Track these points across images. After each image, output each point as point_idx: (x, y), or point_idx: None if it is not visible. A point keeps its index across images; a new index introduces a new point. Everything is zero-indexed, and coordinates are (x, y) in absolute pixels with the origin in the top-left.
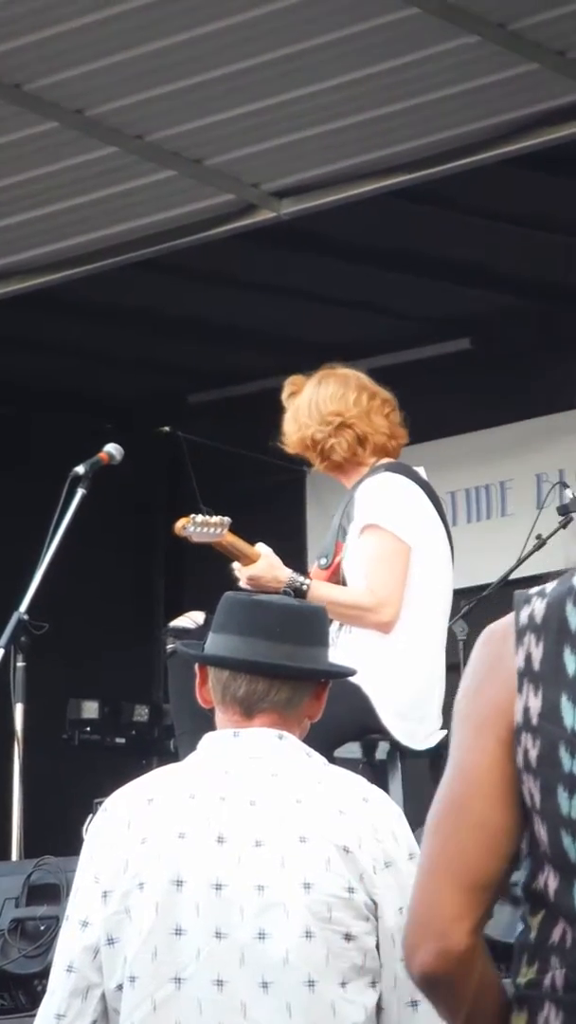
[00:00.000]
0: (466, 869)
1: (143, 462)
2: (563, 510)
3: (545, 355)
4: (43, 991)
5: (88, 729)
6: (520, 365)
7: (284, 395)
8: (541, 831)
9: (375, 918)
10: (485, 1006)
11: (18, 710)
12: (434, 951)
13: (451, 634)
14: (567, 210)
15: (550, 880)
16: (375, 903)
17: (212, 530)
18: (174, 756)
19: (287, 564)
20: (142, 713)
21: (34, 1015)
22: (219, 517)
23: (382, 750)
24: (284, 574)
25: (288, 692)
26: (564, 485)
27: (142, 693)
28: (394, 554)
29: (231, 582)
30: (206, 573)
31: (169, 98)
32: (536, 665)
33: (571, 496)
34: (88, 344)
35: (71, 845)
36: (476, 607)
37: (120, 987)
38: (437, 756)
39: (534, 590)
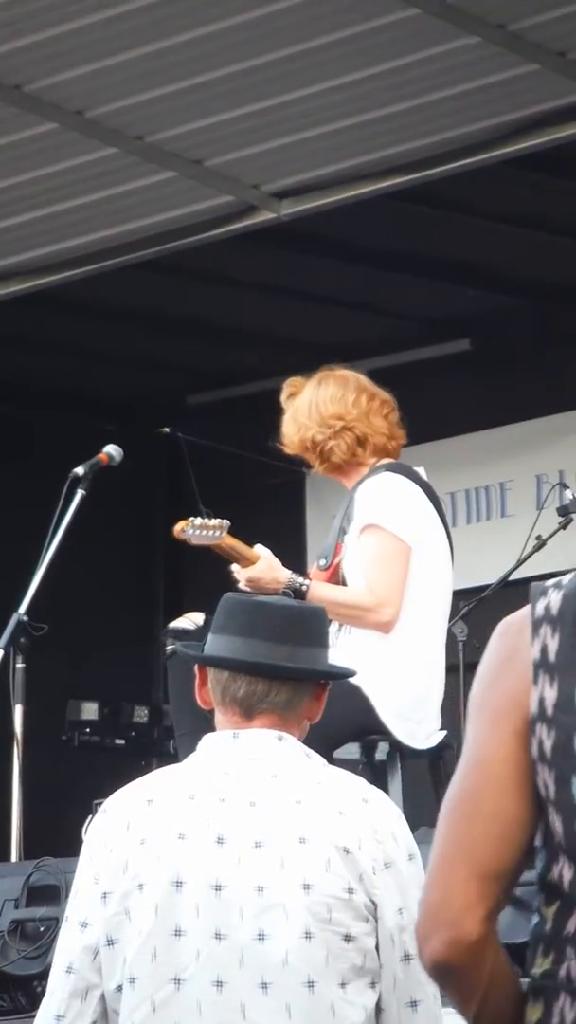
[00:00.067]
0: (479, 859)
1: (143, 463)
2: (563, 511)
3: (545, 356)
4: (43, 992)
5: (88, 730)
6: (520, 366)
7: (283, 396)
8: (556, 822)
9: (375, 919)
10: (498, 996)
11: (18, 711)
12: (446, 940)
13: (451, 635)
14: (567, 211)
15: (565, 871)
16: (375, 904)
17: (211, 533)
18: (174, 757)
19: (286, 565)
20: (142, 714)
21: (34, 1016)
22: (218, 520)
23: (382, 751)
24: (283, 575)
25: (288, 693)
26: (564, 486)
27: (142, 694)
28: (394, 554)
29: (231, 583)
30: (206, 574)
31: (169, 99)
32: (552, 656)
33: (571, 497)
34: (88, 345)
35: (70, 846)
36: (476, 608)
37: (120, 988)
38: (437, 757)
39: (550, 582)
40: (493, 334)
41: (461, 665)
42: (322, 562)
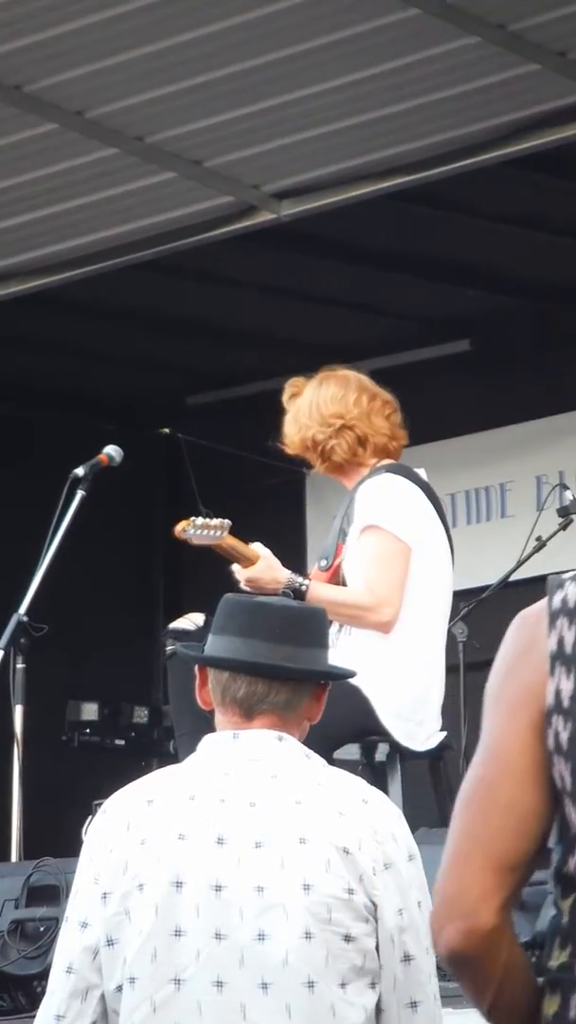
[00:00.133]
0: (495, 849)
1: (143, 463)
2: (563, 512)
3: (545, 356)
4: (42, 992)
5: (87, 731)
6: (520, 366)
7: (285, 397)
8: (572, 813)
9: (375, 919)
10: (513, 988)
11: (18, 711)
12: (462, 930)
13: (450, 636)
14: (568, 211)
15: None
16: (375, 904)
17: (212, 532)
18: (173, 757)
19: (286, 565)
20: (141, 715)
21: (34, 1016)
22: (219, 520)
23: (381, 752)
24: (283, 575)
25: (288, 694)
26: (564, 487)
27: (142, 695)
28: (394, 554)
29: (231, 584)
30: (206, 575)
31: (169, 99)
32: (568, 648)
33: (571, 498)
34: (88, 345)
35: (70, 846)
36: (476, 609)
37: (120, 988)
38: (437, 758)
39: (568, 574)
40: (493, 335)
41: (461, 666)
42: (323, 563)
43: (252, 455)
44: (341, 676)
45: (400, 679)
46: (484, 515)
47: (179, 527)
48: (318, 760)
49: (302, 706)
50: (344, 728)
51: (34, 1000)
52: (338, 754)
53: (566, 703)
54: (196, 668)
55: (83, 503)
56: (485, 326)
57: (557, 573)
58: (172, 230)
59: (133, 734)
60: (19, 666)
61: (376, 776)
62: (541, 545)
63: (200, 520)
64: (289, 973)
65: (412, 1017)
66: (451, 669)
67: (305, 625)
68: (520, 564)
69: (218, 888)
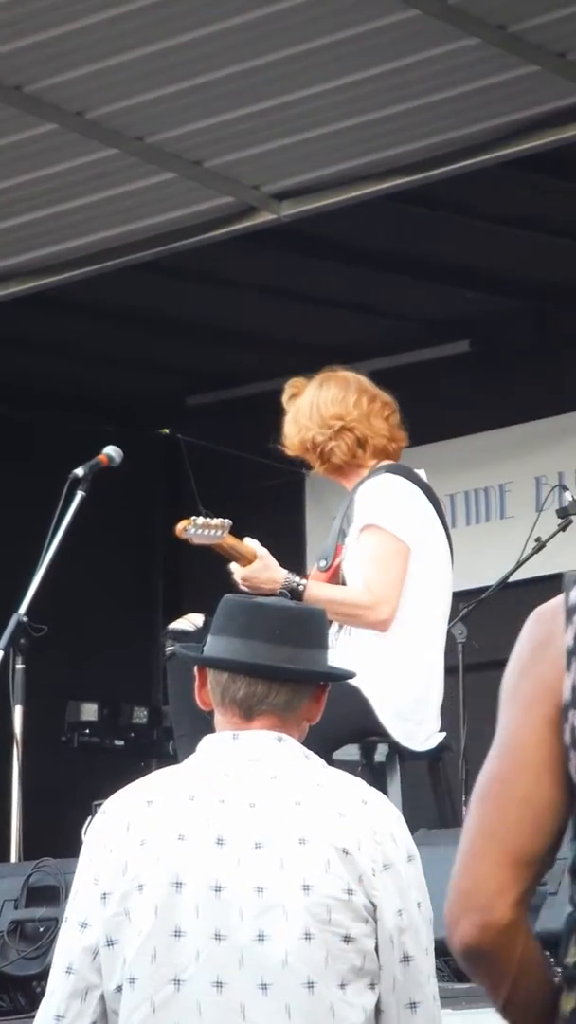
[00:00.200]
0: (510, 843)
1: (142, 464)
2: (562, 513)
3: (544, 358)
4: (42, 993)
5: (87, 731)
6: (519, 367)
7: (285, 398)
8: None
9: (374, 920)
10: (528, 983)
11: (17, 712)
12: (478, 924)
13: (450, 636)
14: (567, 212)
15: None
16: (374, 905)
17: (213, 532)
18: (173, 758)
19: (285, 566)
20: (141, 715)
21: (33, 1016)
22: (220, 520)
23: (381, 752)
24: (280, 575)
25: (287, 694)
26: (563, 488)
27: (141, 695)
28: (393, 554)
29: (230, 584)
30: (205, 575)
31: (169, 100)
32: None
33: (570, 499)
34: (88, 346)
35: (70, 847)
36: (475, 610)
37: (119, 988)
38: (436, 758)
39: None
40: (493, 336)
41: (460, 666)
42: (322, 563)
43: (252, 456)
44: (340, 677)
45: (399, 680)
46: (483, 516)
47: (180, 526)
48: (318, 761)
49: (302, 707)
50: (343, 729)
51: (33, 1000)
52: (337, 755)
53: None
54: (195, 669)
55: (83, 504)
56: (484, 327)
57: (546, 578)
58: (172, 231)
59: (132, 735)
60: (19, 666)
61: (375, 777)
62: (540, 546)
63: (201, 520)
64: (289, 974)
65: (411, 1018)
66: (450, 670)
67: (304, 626)
68: (519, 565)
69: (218, 889)
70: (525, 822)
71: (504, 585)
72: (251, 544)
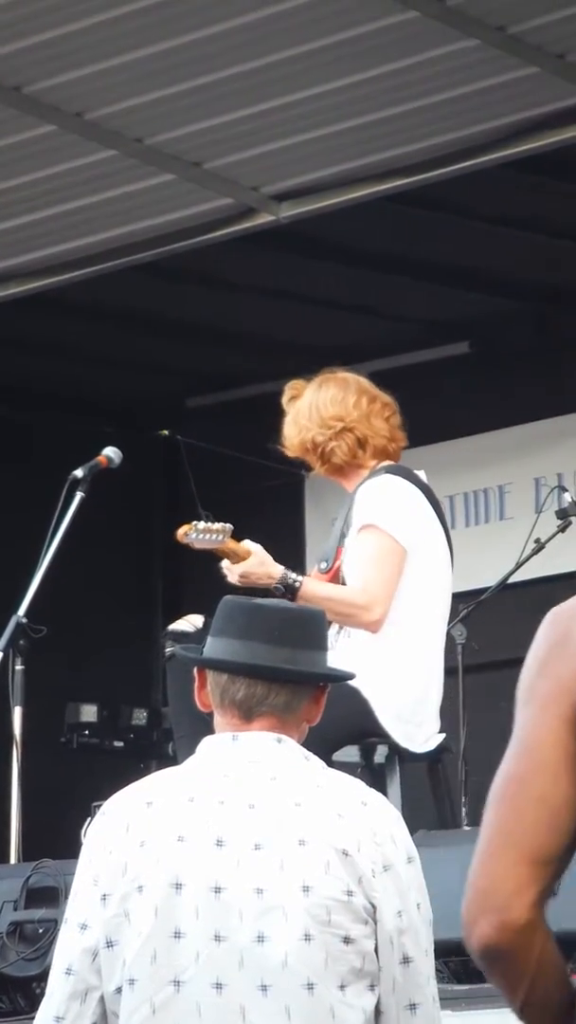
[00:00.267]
0: (527, 843)
1: (142, 465)
2: (562, 514)
3: (544, 359)
4: (42, 994)
5: (86, 732)
6: (519, 369)
7: (285, 399)
8: None
9: (374, 921)
10: (546, 984)
11: (17, 713)
12: (495, 923)
13: (449, 638)
14: (567, 214)
15: None
16: (374, 906)
17: (214, 536)
18: (173, 760)
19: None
20: (140, 716)
21: (33, 1018)
22: (220, 524)
23: (380, 754)
24: (276, 570)
25: (287, 696)
26: (563, 489)
27: (141, 696)
28: (389, 554)
29: (230, 585)
30: (205, 576)
31: (168, 101)
32: None
33: (569, 500)
34: (88, 347)
35: (70, 848)
36: (474, 611)
37: (119, 990)
38: (435, 760)
39: None
40: (492, 337)
41: (460, 668)
42: (323, 565)
43: (251, 457)
44: (340, 678)
45: (399, 681)
46: (483, 517)
47: (181, 531)
48: (317, 762)
49: (301, 708)
50: (343, 730)
51: (33, 1002)
52: (337, 756)
53: None
54: (195, 670)
55: (82, 505)
56: (484, 328)
57: (545, 579)
58: (171, 232)
59: (132, 736)
60: (18, 668)
61: (375, 778)
62: (540, 547)
63: (202, 524)
64: (288, 975)
65: (411, 1019)
66: (450, 671)
67: (304, 627)
68: (519, 566)
69: (217, 890)
70: (542, 822)
71: (503, 586)
72: (247, 543)
